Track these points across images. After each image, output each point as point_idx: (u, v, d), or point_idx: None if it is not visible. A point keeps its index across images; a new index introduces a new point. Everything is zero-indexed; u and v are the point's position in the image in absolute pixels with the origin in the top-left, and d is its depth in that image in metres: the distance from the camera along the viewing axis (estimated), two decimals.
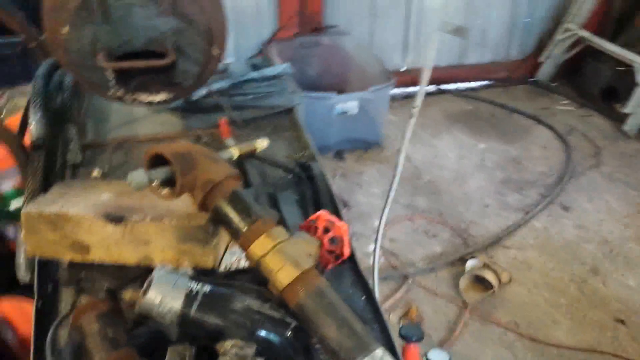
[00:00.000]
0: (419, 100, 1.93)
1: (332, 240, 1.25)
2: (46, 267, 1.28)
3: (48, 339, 1.02)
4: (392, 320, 2.92)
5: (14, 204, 2.62)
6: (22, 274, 1.31)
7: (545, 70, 5.31)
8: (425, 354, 2.07)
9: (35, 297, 1.20)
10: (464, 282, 3.12)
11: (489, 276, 3.07)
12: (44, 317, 1.20)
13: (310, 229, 1.28)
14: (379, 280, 2.80)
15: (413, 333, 2.01)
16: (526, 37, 5.23)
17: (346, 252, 1.26)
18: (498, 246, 3.47)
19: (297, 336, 1.08)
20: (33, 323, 1.14)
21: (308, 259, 1.09)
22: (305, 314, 1.02)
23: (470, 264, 3.23)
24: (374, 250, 2.37)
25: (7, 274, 2.29)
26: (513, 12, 5.01)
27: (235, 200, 1.11)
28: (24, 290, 2.12)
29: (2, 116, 2.77)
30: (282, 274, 1.03)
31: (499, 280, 3.10)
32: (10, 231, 2.80)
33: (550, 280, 3.24)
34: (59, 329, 1.13)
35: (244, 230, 1.08)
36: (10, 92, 2.81)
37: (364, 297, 1.32)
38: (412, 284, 3.17)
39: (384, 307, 2.93)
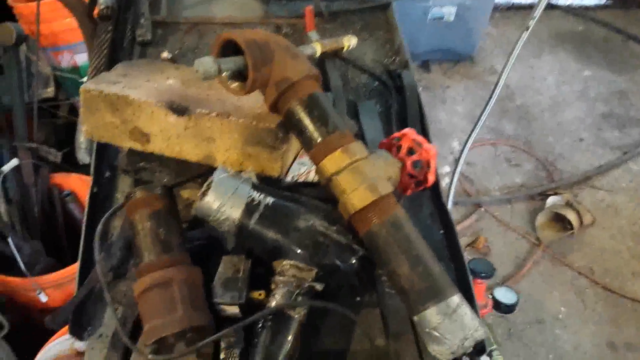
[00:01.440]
0: (538, 11, 1.63)
1: (416, 163, 1.09)
2: (105, 152, 1.21)
3: (98, 230, 0.95)
4: None
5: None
6: (82, 155, 1.24)
7: None
8: (492, 292, 1.95)
9: (91, 182, 1.13)
10: (541, 218, 2.91)
11: (571, 216, 2.84)
12: (99, 204, 1.14)
13: (393, 148, 1.12)
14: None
15: (482, 269, 1.88)
16: None
17: (431, 179, 1.09)
18: (586, 185, 3.19)
19: (363, 266, 0.96)
20: (86, 209, 1.08)
21: (386, 182, 0.94)
22: (376, 244, 0.90)
23: (551, 200, 3.01)
24: (452, 174, 2.18)
25: None
26: None
27: (312, 105, 0.95)
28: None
29: None
30: (356, 197, 0.90)
31: (581, 222, 2.87)
32: None
33: (638, 229, 2.97)
34: (112, 219, 1.06)
35: (318, 141, 0.93)
36: None
37: (442, 231, 1.17)
38: (484, 213, 2.99)
39: None
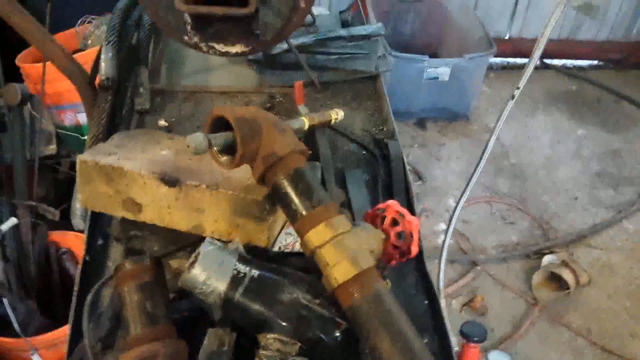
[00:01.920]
0: (523, 81, 1.69)
1: (400, 234, 1.11)
2: (98, 220, 1.24)
3: (87, 302, 0.97)
4: (454, 308, 2.77)
5: None
6: (77, 221, 1.27)
7: None
8: (486, 356, 1.93)
9: (84, 251, 1.15)
10: (537, 277, 2.90)
11: (567, 275, 2.84)
12: (91, 271, 1.16)
13: (377, 218, 1.15)
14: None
15: (475, 333, 1.87)
16: None
17: (414, 250, 1.11)
18: (581, 244, 3.20)
19: (346, 339, 0.98)
20: (78, 278, 1.10)
21: (369, 256, 0.97)
22: (358, 318, 0.91)
23: (547, 259, 3.01)
24: (446, 232, 2.20)
25: None
26: None
27: (298, 179, 0.99)
28: None
29: (89, 43, 2.78)
30: (338, 271, 0.92)
31: (577, 281, 2.87)
32: None
33: (635, 289, 2.96)
34: (103, 287, 1.09)
35: (303, 214, 0.97)
36: (100, 19, 2.80)
37: (426, 301, 1.19)
38: (481, 271, 2.99)
39: (446, 291, 2.78)
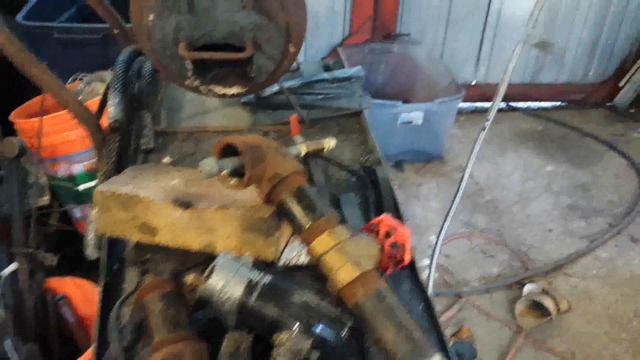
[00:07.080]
0: (491, 114, 1.87)
1: (393, 245, 1.23)
2: (114, 246, 1.33)
3: (112, 314, 1.05)
4: None
5: (83, 186, 2.76)
6: (90, 251, 1.36)
7: (624, 95, 5.05)
8: None
9: (103, 274, 1.24)
10: (520, 306, 3.01)
11: (548, 302, 2.96)
12: (109, 295, 1.24)
13: (372, 232, 1.27)
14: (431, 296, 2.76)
15: (465, 351, 1.96)
16: (607, 60, 5.00)
17: (407, 258, 1.23)
18: (559, 273, 3.34)
19: (352, 336, 1.07)
20: (99, 299, 1.18)
21: (369, 260, 1.08)
22: (363, 314, 1.01)
23: (528, 288, 3.12)
24: (430, 265, 2.32)
25: (72, 253, 2.41)
26: (595, 32, 4.80)
27: (301, 195, 1.11)
28: (87, 272, 2.22)
29: (80, 98, 2.90)
30: (342, 273, 1.03)
31: (558, 308, 2.98)
32: (77, 212, 2.94)
33: (612, 314, 3.08)
34: (123, 306, 1.16)
35: (307, 226, 1.08)
36: (89, 77, 2.94)
37: (421, 306, 1.29)
38: (465, 303, 3.09)
39: None
